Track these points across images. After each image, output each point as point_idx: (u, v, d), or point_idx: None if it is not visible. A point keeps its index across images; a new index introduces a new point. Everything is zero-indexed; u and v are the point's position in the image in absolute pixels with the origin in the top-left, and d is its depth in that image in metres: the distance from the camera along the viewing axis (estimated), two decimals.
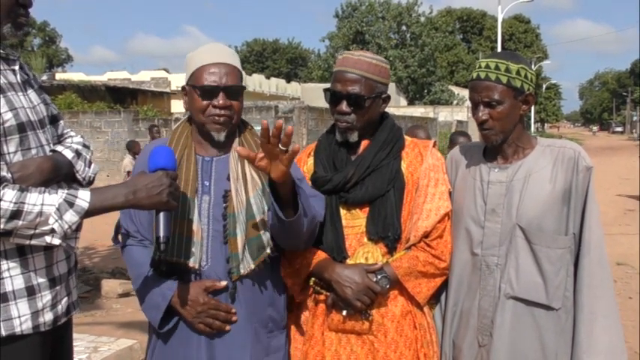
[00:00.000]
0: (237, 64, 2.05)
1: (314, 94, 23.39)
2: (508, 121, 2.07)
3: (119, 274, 6.99)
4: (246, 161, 2.00)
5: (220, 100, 1.96)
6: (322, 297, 2.13)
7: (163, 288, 1.96)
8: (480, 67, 2.10)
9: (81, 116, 16.40)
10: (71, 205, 1.63)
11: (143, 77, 31.94)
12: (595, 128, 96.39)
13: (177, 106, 24.04)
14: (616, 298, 2.15)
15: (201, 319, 1.94)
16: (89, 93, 21.48)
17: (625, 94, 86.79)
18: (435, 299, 2.24)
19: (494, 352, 2.06)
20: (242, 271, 1.95)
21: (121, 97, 22.39)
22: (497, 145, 2.12)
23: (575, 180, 2.05)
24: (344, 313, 2.07)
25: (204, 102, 1.98)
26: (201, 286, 1.95)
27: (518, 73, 2.04)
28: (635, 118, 72.00)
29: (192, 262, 1.94)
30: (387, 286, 2.07)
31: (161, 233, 1.77)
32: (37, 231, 1.61)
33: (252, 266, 1.96)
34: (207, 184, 2.01)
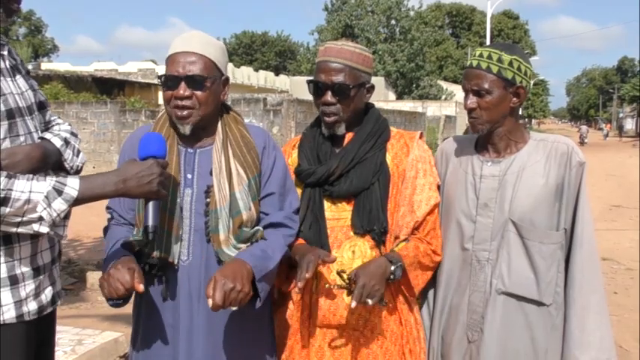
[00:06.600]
0: (210, 53, 1.92)
1: (303, 87, 23.17)
2: (496, 112, 2.05)
3: None
4: (231, 154, 1.95)
5: (180, 90, 1.88)
6: (306, 294, 2.07)
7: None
8: (474, 55, 2.09)
9: (67, 107, 16.19)
10: (60, 192, 1.60)
11: (130, 68, 31.64)
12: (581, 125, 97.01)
13: None
14: None
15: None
16: (75, 83, 21.25)
17: (612, 90, 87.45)
18: (421, 295, 2.22)
19: (485, 348, 2.04)
20: None
21: (107, 88, 22.17)
22: (484, 134, 2.10)
23: (567, 175, 2.04)
24: (353, 304, 1.86)
25: (168, 92, 1.92)
26: None
27: (510, 64, 2.02)
28: (621, 115, 72.64)
29: (171, 258, 1.89)
30: (400, 277, 2.00)
31: (150, 222, 1.74)
32: (24, 219, 1.58)
33: None
34: (190, 177, 1.95)
